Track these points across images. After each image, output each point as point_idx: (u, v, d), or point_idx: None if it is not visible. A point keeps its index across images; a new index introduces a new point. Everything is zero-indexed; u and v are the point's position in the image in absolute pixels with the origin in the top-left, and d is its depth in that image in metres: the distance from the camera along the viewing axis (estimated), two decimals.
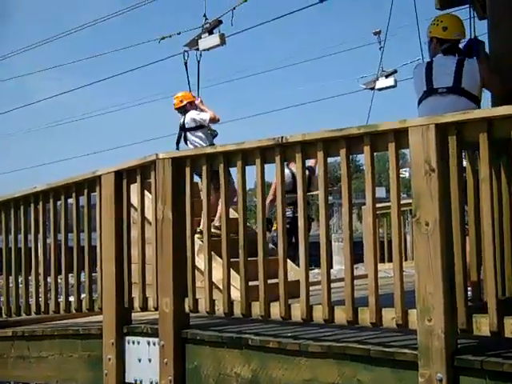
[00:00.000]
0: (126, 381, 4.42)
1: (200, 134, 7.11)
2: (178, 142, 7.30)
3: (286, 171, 7.27)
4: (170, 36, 9.75)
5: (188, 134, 7.16)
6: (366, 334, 3.51)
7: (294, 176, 6.73)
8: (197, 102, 7.25)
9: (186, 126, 7.17)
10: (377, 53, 12.35)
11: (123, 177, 4.54)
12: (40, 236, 5.11)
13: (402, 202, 3.31)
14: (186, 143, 7.20)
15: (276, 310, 3.65)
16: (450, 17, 4.65)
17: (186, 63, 7.61)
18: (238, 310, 3.84)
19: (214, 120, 7.12)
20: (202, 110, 7.21)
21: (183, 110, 7.29)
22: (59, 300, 5.04)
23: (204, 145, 7.02)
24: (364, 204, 8.89)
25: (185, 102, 7.29)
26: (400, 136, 3.21)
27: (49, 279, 5.10)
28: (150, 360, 4.27)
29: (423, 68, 4.45)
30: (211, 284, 3.98)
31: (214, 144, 7.14)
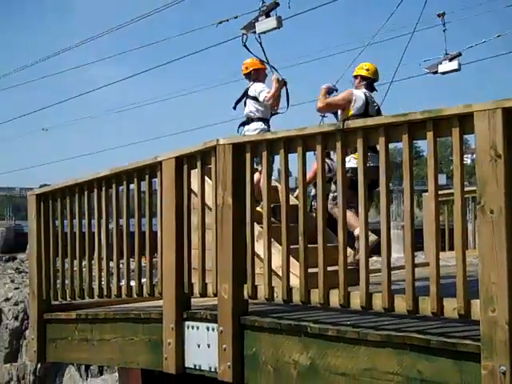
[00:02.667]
0: (186, 365, 4.47)
1: (258, 106, 7.10)
2: (236, 103, 7.28)
3: (329, 161, 7.14)
4: (228, 20, 9.68)
5: (248, 101, 7.16)
6: (427, 323, 3.45)
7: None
8: (273, 77, 7.15)
9: (250, 94, 7.17)
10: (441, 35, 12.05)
11: (184, 162, 4.57)
12: (103, 221, 5.21)
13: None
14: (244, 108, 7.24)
15: (335, 297, 3.62)
16: (370, 63, 6.68)
17: (245, 45, 7.58)
18: (296, 297, 3.82)
19: (268, 101, 7.07)
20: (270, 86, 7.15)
21: (249, 77, 7.27)
22: (121, 284, 5.13)
23: (257, 114, 7.04)
24: (424, 191, 8.79)
25: (250, 69, 7.26)
26: (464, 121, 3.12)
27: (111, 264, 5.19)
28: (208, 345, 4.31)
29: (363, 95, 6.40)
30: (270, 271, 3.98)
31: (267, 121, 7.09)
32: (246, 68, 7.30)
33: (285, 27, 7.81)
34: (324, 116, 6.71)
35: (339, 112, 6.52)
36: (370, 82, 6.59)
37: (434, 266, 3.21)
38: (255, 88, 7.14)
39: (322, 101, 6.41)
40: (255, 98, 7.11)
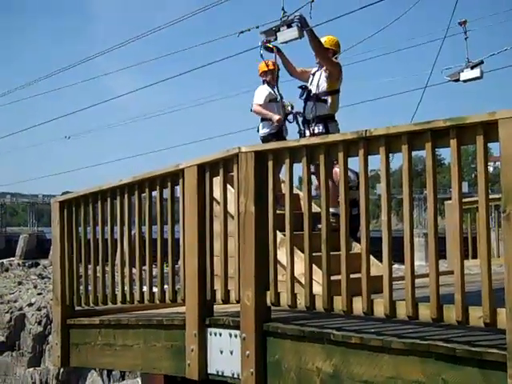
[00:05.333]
0: (209, 372, 4.48)
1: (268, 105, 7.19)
2: None
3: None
4: (249, 30, 9.70)
5: None
6: (452, 332, 3.42)
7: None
8: (275, 118, 7.16)
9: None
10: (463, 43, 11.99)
11: (206, 170, 4.59)
12: (125, 228, 5.24)
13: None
14: None
15: (358, 305, 3.61)
16: (331, 36, 6.81)
17: (261, 55, 7.60)
18: (319, 305, 3.82)
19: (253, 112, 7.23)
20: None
21: (270, 75, 7.34)
22: (143, 290, 5.15)
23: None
24: (445, 199, 8.71)
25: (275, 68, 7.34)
26: (488, 129, 3.11)
27: (134, 270, 5.21)
28: (231, 352, 4.32)
29: None
30: (293, 278, 3.98)
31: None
32: (274, 64, 7.32)
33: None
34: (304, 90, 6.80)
35: (321, 79, 6.61)
36: (333, 53, 6.69)
37: (458, 273, 3.19)
38: (257, 92, 7.24)
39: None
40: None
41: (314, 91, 6.62)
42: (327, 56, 6.56)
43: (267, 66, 7.31)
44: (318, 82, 6.62)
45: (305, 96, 6.75)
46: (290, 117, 7.17)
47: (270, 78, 7.32)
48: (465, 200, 7.71)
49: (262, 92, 7.25)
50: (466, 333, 3.36)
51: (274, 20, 7.83)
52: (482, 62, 12.02)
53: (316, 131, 6.50)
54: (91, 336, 5.64)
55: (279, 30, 7.35)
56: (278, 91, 7.33)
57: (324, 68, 6.60)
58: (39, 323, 19.22)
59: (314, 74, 6.78)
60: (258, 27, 8.92)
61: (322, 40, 6.66)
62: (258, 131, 7.33)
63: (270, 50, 7.03)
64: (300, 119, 6.93)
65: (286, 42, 7.25)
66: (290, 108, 7.25)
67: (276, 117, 7.05)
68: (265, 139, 7.01)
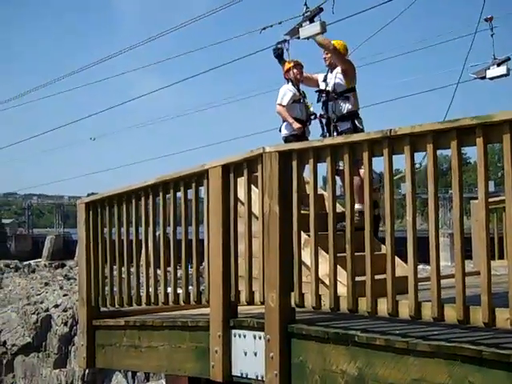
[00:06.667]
0: (233, 373, 4.47)
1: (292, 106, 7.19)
2: None
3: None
4: (272, 26, 9.69)
5: None
6: (478, 334, 3.37)
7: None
8: (295, 125, 7.16)
9: None
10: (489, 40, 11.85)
11: (230, 170, 4.58)
12: (150, 229, 5.26)
13: None
14: None
15: (383, 306, 3.58)
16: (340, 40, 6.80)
17: (277, 56, 7.56)
18: (344, 306, 3.79)
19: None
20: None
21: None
22: (168, 292, 5.16)
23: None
24: (471, 198, 8.60)
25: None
26: None
27: (158, 271, 5.22)
28: (255, 354, 4.30)
29: None
30: (317, 279, 3.96)
31: (303, 122, 7.14)
32: (297, 62, 7.34)
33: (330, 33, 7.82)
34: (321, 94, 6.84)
35: (337, 79, 6.65)
36: None
37: (485, 275, 3.15)
38: (281, 91, 7.23)
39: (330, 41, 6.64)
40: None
41: (331, 91, 6.62)
42: (342, 53, 6.58)
43: (288, 65, 7.30)
44: (334, 82, 6.61)
45: (324, 98, 6.74)
46: (313, 117, 7.16)
47: (294, 76, 7.29)
48: (492, 200, 7.62)
49: (286, 93, 7.21)
50: (493, 335, 3.32)
51: (296, 16, 7.82)
52: (508, 59, 11.87)
53: (344, 128, 6.48)
54: (116, 337, 5.66)
55: (302, 26, 7.32)
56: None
57: (338, 68, 6.60)
58: (65, 324, 19.38)
59: (325, 80, 6.79)
60: (280, 23, 8.91)
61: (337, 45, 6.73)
62: (280, 131, 7.32)
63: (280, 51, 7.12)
64: (324, 121, 6.90)
65: (308, 38, 7.21)
66: (311, 109, 7.24)
67: (296, 125, 7.05)
68: (287, 140, 7.01)
